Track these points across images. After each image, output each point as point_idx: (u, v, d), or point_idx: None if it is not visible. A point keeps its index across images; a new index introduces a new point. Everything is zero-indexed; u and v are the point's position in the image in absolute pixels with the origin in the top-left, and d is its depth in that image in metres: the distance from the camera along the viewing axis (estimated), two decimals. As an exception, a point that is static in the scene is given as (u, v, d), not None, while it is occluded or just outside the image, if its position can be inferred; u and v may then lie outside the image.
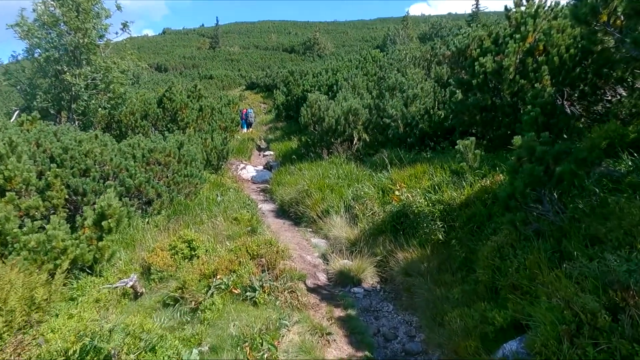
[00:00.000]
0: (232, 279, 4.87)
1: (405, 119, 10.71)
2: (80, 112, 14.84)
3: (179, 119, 14.71)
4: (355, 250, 6.29)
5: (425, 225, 5.98)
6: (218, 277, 4.89)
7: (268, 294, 4.68)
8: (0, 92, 31.54)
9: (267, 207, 10.46)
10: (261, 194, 12.21)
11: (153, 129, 15.08)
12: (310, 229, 8.08)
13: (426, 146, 10.18)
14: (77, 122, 14.73)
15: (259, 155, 17.56)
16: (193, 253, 6.25)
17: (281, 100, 21.00)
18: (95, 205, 6.46)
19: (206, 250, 6.34)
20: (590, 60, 6.76)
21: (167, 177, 9.15)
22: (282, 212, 9.58)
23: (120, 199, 8.33)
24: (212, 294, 4.68)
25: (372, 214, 6.99)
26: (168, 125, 14.69)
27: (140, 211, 8.92)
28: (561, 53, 6.87)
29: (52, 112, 14.19)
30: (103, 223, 6.32)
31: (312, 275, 5.78)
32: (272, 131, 23.27)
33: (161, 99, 15.41)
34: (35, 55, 13.75)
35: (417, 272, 5.17)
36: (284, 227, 8.42)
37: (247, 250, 5.41)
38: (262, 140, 21.00)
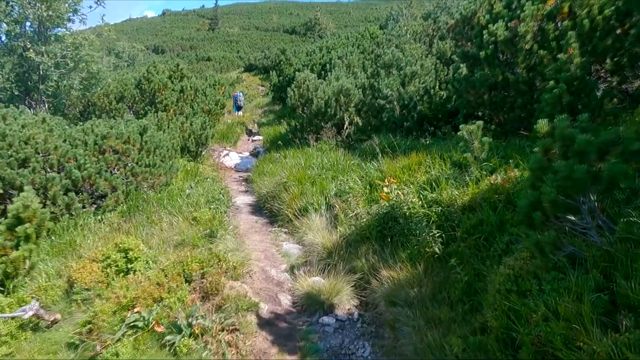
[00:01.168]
0: (156, 311, 3.60)
1: (402, 100, 9.30)
2: (50, 93, 13.50)
3: (157, 101, 13.34)
4: (331, 262, 4.99)
5: (418, 232, 4.66)
6: (136, 309, 3.62)
7: (197, 338, 3.42)
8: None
9: (245, 199, 9.17)
10: (243, 184, 10.92)
11: (130, 112, 13.75)
12: (285, 230, 6.79)
13: (425, 131, 8.81)
14: (46, 105, 13.41)
15: (248, 140, 16.21)
16: (129, 266, 4.98)
17: (274, 81, 19.52)
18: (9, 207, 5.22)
19: (147, 262, 5.08)
20: (629, 23, 5.33)
21: (126, 167, 7.86)
22: (259, 208, 8.28)
23: (65, 194, 7.11)
24: (123, 334, 3.42)
25: (355, 215, 5.66)
26: (146, 108, 13.35)
27: (94, 207, 7.67)
28: (593, 15, 5.42)
29: (16, 93, 12.86)
30: (18, 229, 5.07)
31: (272, 299, 4.51)
32: (266, 114, 21.87)
33: (140, 79, 14.03)
34: (-5, 31, 12.39)
35: (405, 300, 3.87)
36: (255, 227, 7.13)
37: (183, 269, 4.13)
38: (255, 124, 19.63)
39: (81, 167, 7.23)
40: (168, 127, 11.38)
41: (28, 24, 13.04)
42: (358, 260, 4.92)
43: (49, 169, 7.26)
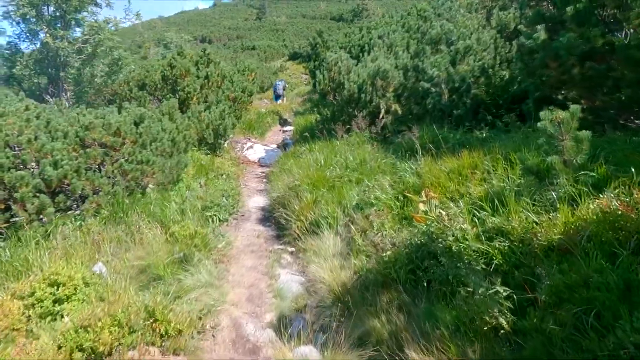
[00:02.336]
0: None
1: (452, 82, 7.32)
2: (71, 81, 12.62)
3: (179, 88, 12.09)
4: (336, 316, 3.29)
5: (470, 283, 2.86)
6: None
7: None
8: None
9: (259, 202, 7.63)
10: (264, 181, 9.41)
11: (153, 100, 12.60)
12: (291, 251, 5.14)
13: (481, 121, 6.81)
14: (68, 93, 12.55)
15: (280, 131, 14.70)
16: (57, 308, 3.56)
17: (311, 66, 17.83)
18: None
19: (83, 301, 3.64)
20: None
21: (114, 164, 6.53)
22: (269, 215, 6.69)
23: (36, 196, 5.89)
24: None
25: (377, 242, 3.91)
26: (167, 96, 12.16)
27: (78, 211, 6.42)
28: None
29: (36, 81, 12.08)
30: None
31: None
32: (304, 103, 20.32)
33: (164, 66, 12.85)
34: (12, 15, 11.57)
35: None
36: (253, 244, 5.53)
37: (88, 340, 2.61)
38: (292, 113, 18.11)
39: (57, 163, 5.98)
40: (183, 116, 10.05)
41: (51, 8, 12.19)
42: (376, 318, 3.18)
43: (29, 166, 6.10)
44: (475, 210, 3.52)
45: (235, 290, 4.01)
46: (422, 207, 3.68)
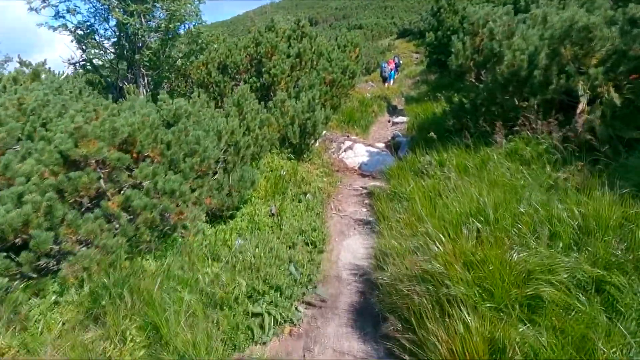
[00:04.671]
0: None
1: None
2: (148, 64, 10.61)
3: (264, 69, 9.32)
4: None
5: None
6: None
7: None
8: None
9: (356, 252, 4.45)
10: (366, 202, 6.18)
11: (233, 84, 10.04)
12: None
13: None
14: (146, 79, 10.57)
15: (388, 122, 11.22)
16: None
17: (430, 39, 13.85)
18: None
19: None
20: None
21: (117, 195, 3.85)
22: (375, 306, 3.43)
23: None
24: None
25: None
26: (252, 80, 9.51)
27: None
28: None
29: (107, 65, 10.26)
30: None
31: None
32: (417, 86, 16.45)
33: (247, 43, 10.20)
34: (82, -12, 9.78)
35: None
36: None
37: None
38: (403, 99, 14.47)
39: (22, 198, 3.48)
40: (261, 107, 7.21)
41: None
42: None
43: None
44: None
45: None
46: None
